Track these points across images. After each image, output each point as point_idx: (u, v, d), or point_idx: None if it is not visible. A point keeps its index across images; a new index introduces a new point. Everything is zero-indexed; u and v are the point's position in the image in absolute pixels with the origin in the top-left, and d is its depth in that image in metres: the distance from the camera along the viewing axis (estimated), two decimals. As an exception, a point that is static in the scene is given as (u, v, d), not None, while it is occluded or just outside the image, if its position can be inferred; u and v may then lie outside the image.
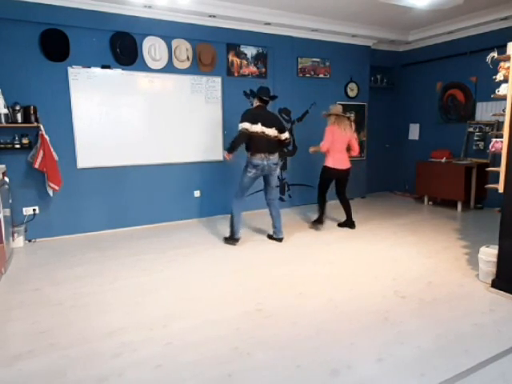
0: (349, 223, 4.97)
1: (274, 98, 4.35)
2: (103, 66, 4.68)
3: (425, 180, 6.27)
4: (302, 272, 3.54)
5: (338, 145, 4.68)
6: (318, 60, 6.18)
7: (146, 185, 5.12)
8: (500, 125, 5.06)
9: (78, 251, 4.17)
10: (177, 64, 5.10)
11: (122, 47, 4.73)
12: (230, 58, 5.51)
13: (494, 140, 3.19)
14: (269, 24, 5.46)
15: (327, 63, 6.27)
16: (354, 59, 6.49)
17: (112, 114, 4.80)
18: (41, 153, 4.20)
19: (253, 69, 5.70)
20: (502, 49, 3.23)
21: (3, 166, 3.99)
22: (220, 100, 5.45)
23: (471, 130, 6.06)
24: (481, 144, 5.91)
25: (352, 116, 6.63)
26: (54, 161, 4.31)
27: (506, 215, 2.99)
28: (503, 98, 3.06)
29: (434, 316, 2.70)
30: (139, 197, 5.09)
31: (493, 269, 3.11)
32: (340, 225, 5.04)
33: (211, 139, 5.27)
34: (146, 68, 4.93)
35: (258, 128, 4.05)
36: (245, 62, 5.62)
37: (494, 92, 3.21)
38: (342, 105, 6.43)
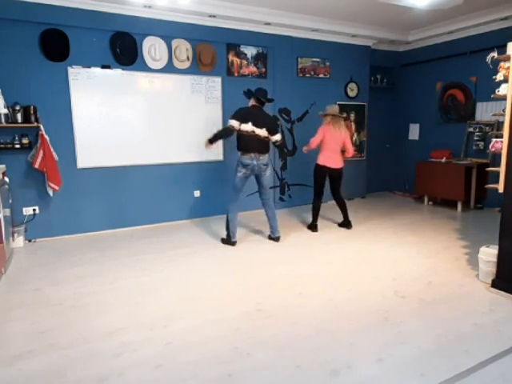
0: (345, 223, 4.96)
1: (270, 100, 4.34)
2: (103, 66, 4.68)
3: (425, 180, 6.27)
4: (302, 272, 3.54)
5: (331, 144, 4.66)
6: (318, 60, 6.18)
7: (146, 185, 5.12)
8: (500, 125, 5.07)
9: (78, 251, 4.17)
10: (177, 64, 5.10)
11: (122, 47, 4.73)
12: (230, 57, 5.51)
13: (493, 140, 3.19)
14: (269, 24, 5.46)
15: (327, 63, 6.27)
16: (354, 59, 6.49)
17: (112, 114, 4.80)
18: (41, 153, 4.20)
19: (253, 69, 5.70)
20: (502, 49, 3.24)
21: (3, 166, 3.99)
22: (220, 100, 5.45)
23: (471, 129, 6.06)
24: (481, 144, 5.91)
25: (352, 116, 6.65)
26: (54, 161, 4.31)
27: (506, 215, 2.99)
28: (503, 98, 3.06)
29: (434, 316, 2.70)
30: (139, 197, 5.09)
31: (493, 269, 3.11)
32: (340, 225, 5.05)
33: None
34: (145, 68, 4.93)
35: (248, 127, 4.06)
36: (245, 61, 5.62)
37: (494, 92, 3.22)
38: (342, 105, 6.48)
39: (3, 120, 4.05)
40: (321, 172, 4.78)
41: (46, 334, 2.50)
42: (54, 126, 4.43)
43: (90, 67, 4.61)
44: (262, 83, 5.61)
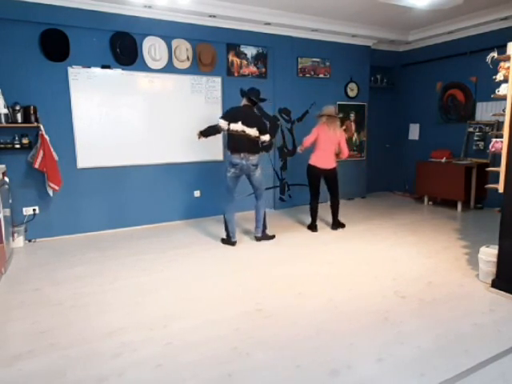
0: (334, 224, 4.93)
1: (262, 100, 4.33)
2: (103, 66, 4.68)
3: (425, 180, 6.27)
4: (302, 272, 3.54)
5: (324, 144, 4.64)
6: (318, 60, 6.18)
7: (146, 185, 5.12)
8: (500, 125, 5.06)
9: (78, 251, 4.17)
10: (177, 64, 5.10)
11: (122, 47, 4.73)
12: (230, 57, 5.51)
13: (494, 140, 3.19)
14: (269, 24, 5.46)
15: (327, 63, 6.26)
16: (354, 59, 6.49)
17: (112, 114, 4.80)
18: (41, 153, 4.20)
19: (253, 69, 5.70)
20: (502, 49, 3.23)
21: (3, 166, 3.99)
22: (220, 100, 5.45)
23: (471, 129, 6.06)
24: (481, 144, 5.91)
25: (352, 116, 6.65)
26: (54, 161, 4.31)
27: (506, 215, 2.99)
28: (503, 98, 3.06)
29: (434, 316, 2.70)
30: (139, 197, 5.09)
31: (493, 269, 3.11)
32: (332, 227, 5.01)
33: (211, 139, 5.22)
34: (145, 68, 4.93)
35: (237, 126, 4.07)
36: (245, 61, 5.62)
37: (494, 92, 3.22)
38: (342, 105, 6.48)
39: (3, 120, 4.05)
40: (312, 172, 4.76)
41: (46, 334, 2.50)
42: (54, 126, 4.43)
43: (89, 67, 4.61)
44: (262, 83, 5.61)
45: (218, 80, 5.41)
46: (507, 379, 2.03)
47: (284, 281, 3.33)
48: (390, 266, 3.66)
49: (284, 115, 6.00)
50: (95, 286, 3.27)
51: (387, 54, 7.03)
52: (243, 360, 2.22)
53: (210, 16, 5.01)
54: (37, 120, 4.26)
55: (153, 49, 4.90)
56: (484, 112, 5.86)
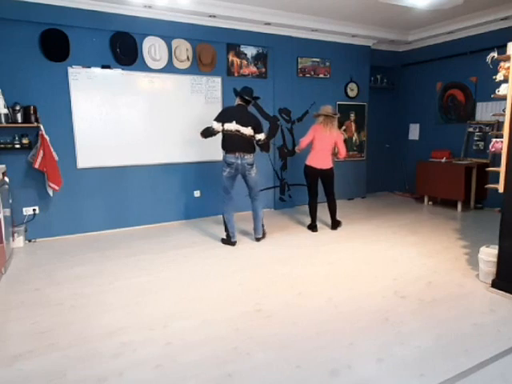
0: (333, 224, 4.92)
1: (256, 98, 4.35)
2: (103, 66, 4.68)
3: (425, 180, 6.27)
4: (302, 272, 3.54)
5: (321, 144, 4.63)
6: (318, 60, 6.18)
7: (146, 185, 5.12)
8: (500, 125, 5.06)
9: (78, 251, 4.17)
10: (177, 64, 5.10)
11: (122, 47, 4.73)
12: (230, 57, 5.51)
13: (494, 140, 3.19)
14: (269, 24, 5.46)
15: (327, 63, 6.27)
16: (354, 59, 6.49)
17: (112, 114, 4.80)
18: (41, 153, 4.20)
19: (253, 69, 5.70)
20: (502, 49, 3.24)
21: (3, 166, 3.99)
22: (220, 100, 5.45)
23: (471, 129, 6.06)
24: (481, 144, 5.91)
25: (352, 116, 6.65)
26: (54, 161, 4.31)
27: (506, 215, 2.99)
28: (503, 98, 3.06)
29: (434, 316, 2.70)
30: (139, 197, 5.09)
31: (493, 269, 3.11)
32: (331, 227, 5.01)
33: (211, 139, 5.24)
34: (145, 68, 4.93)
35: (232, 126, 4.07)
36: (245, 61, 5.62)
37: (494, 92, 3.21)
38: (342, 105, 6.48)
39: (3, 120, 4.05)
40: (309, 172, 4.76)
41: (46, 334, 2.50)
42: (53, 126, 4.44)
43: (90, 67, 4.61)
44: (262, 83, 5.62)
45: (218, 80, 5.41)
46: (507, 379, 2.03)
47: (284, 281, 3.33)
48: (390, 266, 3.66)
49: (284, 115, 6.00)
50: (95, 286, 3.27)
51: (387, 54, 7.03)
52: (243, 360, 2.22)
53: (210, 16, 5.01)
54: (37, 120, 4.26)
55: (153, 49, 4.90)
56: (484, 112, 5.86)
